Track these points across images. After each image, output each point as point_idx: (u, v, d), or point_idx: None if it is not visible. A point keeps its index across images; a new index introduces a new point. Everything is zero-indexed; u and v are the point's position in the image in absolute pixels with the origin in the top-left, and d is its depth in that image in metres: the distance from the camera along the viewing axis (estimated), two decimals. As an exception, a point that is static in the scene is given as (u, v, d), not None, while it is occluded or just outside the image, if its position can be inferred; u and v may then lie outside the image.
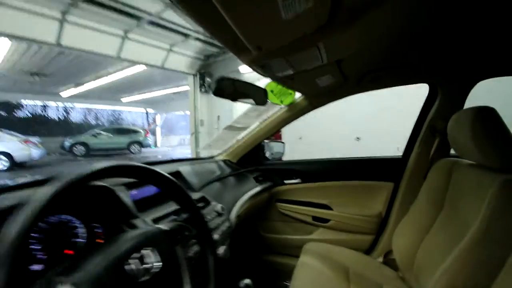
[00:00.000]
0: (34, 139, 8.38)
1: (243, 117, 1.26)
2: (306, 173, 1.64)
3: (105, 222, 0.70)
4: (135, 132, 11.59)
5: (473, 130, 0.79)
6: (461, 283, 0.73)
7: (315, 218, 1.59)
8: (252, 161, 1.71)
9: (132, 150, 10.98)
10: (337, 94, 1.34)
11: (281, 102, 1.32)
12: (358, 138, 5.12)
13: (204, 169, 1.35)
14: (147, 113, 14.77)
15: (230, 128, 1.27)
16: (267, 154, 1.93)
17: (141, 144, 11.17)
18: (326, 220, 1.56)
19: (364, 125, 4.86)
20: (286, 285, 1.28)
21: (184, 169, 1.19)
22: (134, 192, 0.89)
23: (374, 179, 1.48)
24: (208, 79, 6.13)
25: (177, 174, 1.12)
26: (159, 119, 14.55)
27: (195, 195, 1.02)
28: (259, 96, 1.07)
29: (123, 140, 11.05)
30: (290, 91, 1.32)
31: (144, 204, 0.85)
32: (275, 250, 1.71)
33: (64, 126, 12.87)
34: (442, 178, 1.05)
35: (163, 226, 0.56)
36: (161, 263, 0.48)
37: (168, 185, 0.62)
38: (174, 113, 14.52)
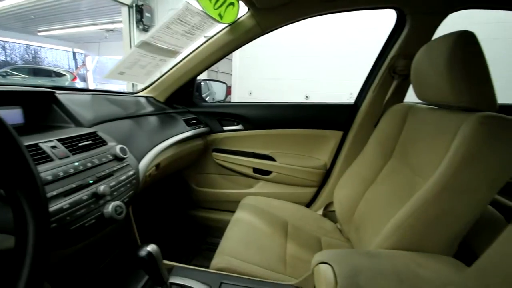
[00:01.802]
0: None
1: (164, 30, 0.89)
2: (249, 119, 1.41)
3: None
4: (58, 75, 9.63)
5: (451, 59, 0.64)
6: (417, 239, 0.63)
7: (256, 170, 1.43)
8: (185, 101, 1.40)
9: (56, 97, 9.23)
10: (292, 11, 1.06)
11: (220, 16, 0.98)
12: (307, 96, 5.16)
13: (112, 103, 1.00)
14: (74, 53, 12.32)
15: (146, 46, 0.89)
16: (207, 96, 1.63)
17: (67, 91, 9.43)
18: (268, 172, 1.41)
19: (314, 82, 4.85)
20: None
21: (70, 97, 0.83)
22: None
23: (323, 127, 1.33)
24: (147, 14, 5.17)
25: (48, 98, 0.75)
26: (90, 62, 12.32)
27: (79, 131, 0.70)
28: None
29: (42, 83, 9.14)
30: (231, -1, 0.98)
31: None
32: (209, 206, 1.53)
33: (-41, 61, 10.04)
34: (394, 125, 0.95)
35: None
36: None
37: None
38: (110, 58, 12.46)
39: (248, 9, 1.05)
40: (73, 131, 0.69)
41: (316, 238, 1.04)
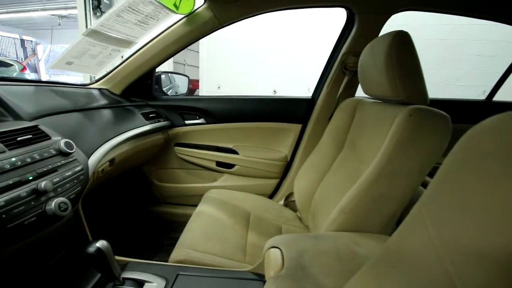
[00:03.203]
0: None
1: (115, 19, 0.84)
2: (211, 113, 1.41)
3: None
4: (4, 64, 8.61)
5: (388, 57, 0.70)
6: (357, 221, 0.70)
7: (219, 164, 1.44)
8: (144, 94, 1.35)
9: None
10: (248, 6, 1.08)
11: (175, 7, 0.96)
12: (275, 91, 5.24)
13: (59, 95, 0.94)
14: (22, 40, 11.08)
15: (95, 35, 0.84)
16: (169, 90, 1.59)
17: (15, 82, 8.47)
18: (231, 166, 1.43)
19: (281, 77, 4.94)
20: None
21: (8, 88, 0.76)
22: None
23: (284, 121, 1.38)
24: (105, 1, 4.82)
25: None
26: (41, 51, 11.18)
27: (17, 124, 0.65)
28: None
29: (-17, 73, 8.15)
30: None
31: None
32: (172, 201, 1.51)
33: None
34: (345, 118, 1.01)
35: None
36: None
37: None
38: (64, 47, 11.40)
39: (205, 0, 1.04)
40: (10, 125, 0.64)
41: (277, 227, 1.08)
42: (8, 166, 0.54)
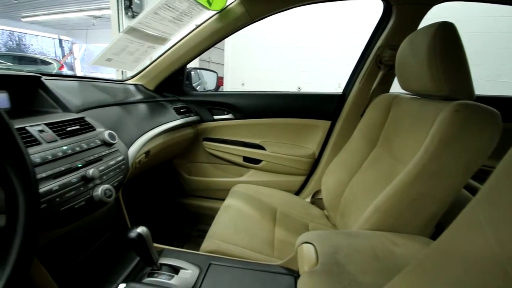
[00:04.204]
0: None
1: (152, 16, 0.89)
2: (239, 108, 1.42)
3: None
4: (45, 63, 9.30)
5: (431, 49, 0.66)
6: (393, 220, 0.67)
7: (246, 159, 1.45)
8: (175, 89, 1.40)
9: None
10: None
11: (208, 3, 0.98)
12: (299, 88, 5.17)
13: (100, 90, 0.99)
14: (60, 40, 11.89)
15: (134, 32, 0.88)
16: (198, 86, 1.63)
17: (54, 79, 9.11)
18: (258, 161, 1.44)
19: (306, 73, 4.86)
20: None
21: (57, 83, 0.82)
22: None
23: (312, 117, 1.36)
24: (136, 1, 5.01)
25: (34, 82, 0.75)
26: (77, 50, 11.92)
27: (66, 116, 0.70)
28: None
29: (27, 71, 8.84)
30: (220, -14, 0.98)
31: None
32: (200, 194, 1.55)
33: None
34: (380, 114, 0.97)
35: None
36: None
37: None
38: (98, 46, 12.05)
39: (238, -4, 1.05)
40: (60, 116, 0.69)
41: (303, 224, 1.07)
42: (60, 154, 0.58)
